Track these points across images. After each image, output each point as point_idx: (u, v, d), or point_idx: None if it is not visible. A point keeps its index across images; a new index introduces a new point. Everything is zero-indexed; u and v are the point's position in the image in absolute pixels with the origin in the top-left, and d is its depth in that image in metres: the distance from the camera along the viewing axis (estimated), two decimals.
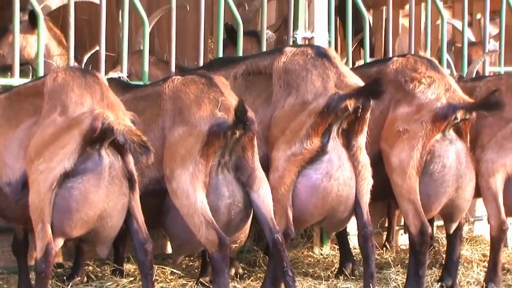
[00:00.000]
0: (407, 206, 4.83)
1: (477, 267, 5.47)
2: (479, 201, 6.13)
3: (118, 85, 4.70)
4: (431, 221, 5.25)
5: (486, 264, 5.60)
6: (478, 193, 5.35)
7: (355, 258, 5.44)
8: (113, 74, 5.06)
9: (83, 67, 5.54)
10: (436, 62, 5.15)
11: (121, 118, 4.13)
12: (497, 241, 5.00)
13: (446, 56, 6.28)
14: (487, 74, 6.45)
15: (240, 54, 5.62)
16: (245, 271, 5.32)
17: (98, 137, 4.08)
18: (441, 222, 5.49)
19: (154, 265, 4.39)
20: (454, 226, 5.06)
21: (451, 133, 4.90)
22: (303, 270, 5.50)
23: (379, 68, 5.14)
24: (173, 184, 4.32)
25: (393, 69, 5.02)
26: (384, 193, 4.91)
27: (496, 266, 4.98)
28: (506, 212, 5.07)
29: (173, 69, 5.33)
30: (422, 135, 4.81)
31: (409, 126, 4.84)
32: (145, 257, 4.21)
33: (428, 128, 4.82)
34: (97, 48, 5.17)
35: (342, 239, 5.53)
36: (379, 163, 4.88)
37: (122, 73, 5.10)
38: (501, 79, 5.33)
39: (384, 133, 4.93)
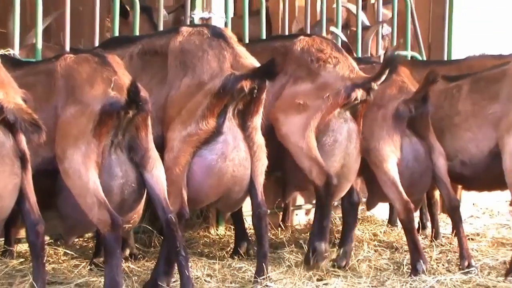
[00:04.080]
0: (309, 163, 4.93)
1: (368, 246, 5.60)
2: None
3: (8, 62, 4.57)
4: None
5: (376, 243, 5.76)
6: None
7: (250, 238, 5.49)
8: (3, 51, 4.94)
9: None
10: (339, 44, 5.25)
11: (11, 96, 4.03)
12: (407, 222, 5.07)
13: (340, 39, 6.39)
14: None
15: (137, 33, 5.57)
16: (140, 252, 5.30)
17: None
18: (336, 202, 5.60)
19: (46, 246, 4.32)
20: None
21: (347, 113, 5.03)
22: (198, 250, 5.52)
23: (283, 44, 5.20)
24: (65, 164, 4.25)
25: (299, 47, 5.10)
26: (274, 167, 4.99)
27: (416, 246, 5.04)
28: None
29: (67, 47, 5.24)
30: (321, 109, 4.93)
31: (310, 101, 4.94)
32: (36, 238, 4.14)
33: (329, 104, 4.94)
34: None
35: (237, 219, 5.58)
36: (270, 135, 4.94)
37: (13, 50, 4.98)
38: (374, 68, 5.34)
39: (281, 105, 5.00)
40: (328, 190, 4.92)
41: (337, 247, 5.26)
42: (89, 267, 4.93)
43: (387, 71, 4.94)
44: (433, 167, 5.25)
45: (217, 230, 5.93)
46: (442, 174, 5.25)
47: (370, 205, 5.55)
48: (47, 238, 5.03)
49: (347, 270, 5.12)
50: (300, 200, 6.36)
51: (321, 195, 4.94)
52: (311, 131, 4.93)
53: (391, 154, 5.13)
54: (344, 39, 6.52)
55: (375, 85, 4.98)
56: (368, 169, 5.21)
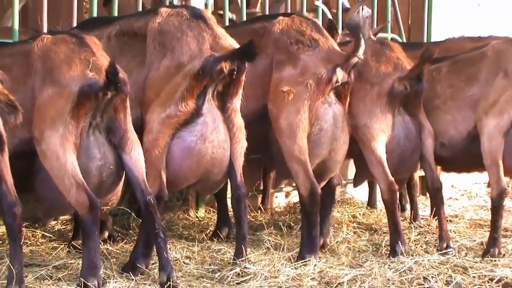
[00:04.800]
0: (297, 167, 4.89)
1: (347, 228, 5.62)
2: (352, 164, 6.29)
3: None
4: None
5: (355, 225, 5.78)
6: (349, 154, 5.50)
7: (232, 221, 5.49)
8: None
9: None
10: (319, 23, 5.20)
11: None
12: (390, 203, 5.08)
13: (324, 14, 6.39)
14: None
15: (116, 14, 5.53)
16: (119, 234, 5.29)
17: None
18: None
19: (24, 229, 4.28)
20: (321, 184, 5.11)
21: (331, 96, 4.99)
22: (178, 232, 5.52)
23: (262, 25, 5.16)
24: (43, 146, 4.22)
25: (278, 28, 5.04)
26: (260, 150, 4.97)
27: (396, 227, 5.05)
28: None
29: (45, 29, 5.20)
30: (307, 97, 4.88)
31: (294, 88, 4.89)
32: (13, 221, 4.10)
33: (313, 91, 4.89)
34: None
35: (221, 203, 5.56)
36: (259, 119, 4.91)
37: None
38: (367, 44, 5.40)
39: (271, 95, 4.96)
40: (313, 199, 4.89)
41: None
42: (67, 249, 4.92)
43: (362, 39, 4.85)
44: (421, 146, 5.25)
45: (196, 212, 5.92)
46: (428, 154, 5.26)
47: (357, 182, 5.55)
48: (24, 220, 5.00)
49: (325, 251, 5.14)
50: None
51: (306, 204, 4.91)
52: (303, 129, 4.87)
53: (381, 132, 5.12)
54: (329, 15, 6.49)
55: (360, 55, 4.88)
56: (357, 146, 5.18)
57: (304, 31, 5.04)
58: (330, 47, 5.01)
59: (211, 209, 5.88)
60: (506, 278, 4.60)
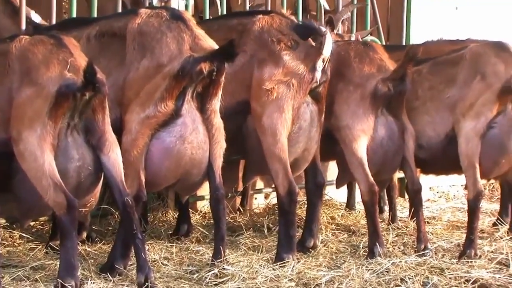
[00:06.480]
0: (277, 166, 4.89)
1: (326, 229, 5.63)
2: (331, 165, 6.32)
3: None
4: None
5: (334, 226, 5.80)
6: (329, 156, 5.51)
7: (209, 222, 5.49)
8: None
9: None
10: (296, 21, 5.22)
11: None
12: (370, 205, 5.09)
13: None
14: None
15: (95, 15, 5.52)
16: (97, 235, 5.28)
17: None
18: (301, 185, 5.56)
19: (1, 229, 4.26)
20: None
21: (308, 96, 5.00)
22: (157, 233, 5.51)
23: (240, 22, 5.14)
24: (20, 146, 4.21)
25: (259, 27, 5.03)
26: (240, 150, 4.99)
27: (375, 229, 5.07)
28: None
29: (23, 26, 5.18)
30: (290, 96, 4.89)
31: (278, 87, 4.89)
32: None
33: (296, 90, 4.90)
34: None
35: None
36: (235, 114, 4.92)
37: None
38: (350, 45, 5.46)
39: (253, 93, 4.95)
40: (291, 198, 4.89)
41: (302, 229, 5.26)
42: (45, 250, 4.91)
43: (327, 37, 4.85)
44: (404, 148, 5.26)
45: (175, 213, 5.91)
46: (409, 156, 5.28)
47: (339, 183, 5.56)
48: (2, 221, 4.99)
49: (305, 252, 5.14)
50: (259, 184, 6.37)
51: (284, 203, 4.91)
52: (287, 128, 4.88)
53: (362, 134, 5.13)
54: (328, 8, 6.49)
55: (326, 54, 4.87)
56: (340, 147, 5.19)
57: (283, 30, 5.03)
58: (308, 45, 5.00)
59: (191, 210, 5.87)
60: (482, 279, 4.64)
